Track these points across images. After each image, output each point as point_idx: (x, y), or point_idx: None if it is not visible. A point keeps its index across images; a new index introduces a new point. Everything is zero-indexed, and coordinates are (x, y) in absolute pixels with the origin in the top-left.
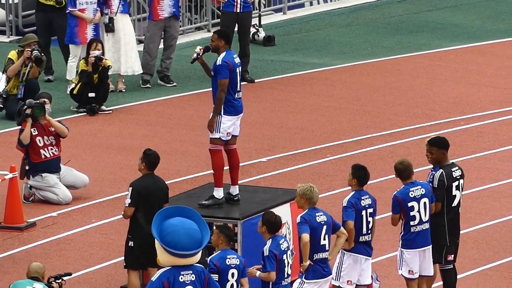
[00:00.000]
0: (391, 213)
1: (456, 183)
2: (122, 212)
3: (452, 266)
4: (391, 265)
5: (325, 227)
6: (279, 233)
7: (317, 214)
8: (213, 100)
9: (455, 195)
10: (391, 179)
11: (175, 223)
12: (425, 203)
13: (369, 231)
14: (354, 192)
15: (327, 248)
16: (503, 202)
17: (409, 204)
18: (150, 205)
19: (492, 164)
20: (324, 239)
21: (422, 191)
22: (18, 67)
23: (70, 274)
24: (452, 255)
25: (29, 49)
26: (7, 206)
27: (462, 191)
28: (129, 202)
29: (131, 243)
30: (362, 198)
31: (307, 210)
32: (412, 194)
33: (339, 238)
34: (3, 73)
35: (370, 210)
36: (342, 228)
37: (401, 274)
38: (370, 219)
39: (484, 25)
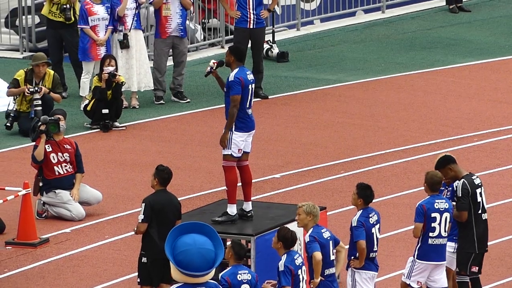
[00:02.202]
0: (404, 229)
1: (479, 190)
2: (135, 228)
3: (468, 280)
4: None
5: (331, 242)
6: (293, 249)
7: (322, 231)
8: (225, 116)
9: (479, 202)
10: (405, 195)
11: (188, 242)
12: (446, 217)
13: (377, 247)
14: (361, 211)
15: (334, 263)
16: None
17: (432, 215)
18: (163, 221)
19: (505, 180)
20: (332, 254)
21: (446, 205)
22: (17, 93)
23: None
24: (477, 267)
25: (29, 92)
26: (21, 223)
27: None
28: (142, 218)
29: (144, 259)
30: (370, 216)
31: (312, 228)
32: (437, 205)
33: (339, 253)
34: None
35: (378, 226)
36: (341, 242)
37: (409, 284)
38: (378, 235)
39: (498, 41)
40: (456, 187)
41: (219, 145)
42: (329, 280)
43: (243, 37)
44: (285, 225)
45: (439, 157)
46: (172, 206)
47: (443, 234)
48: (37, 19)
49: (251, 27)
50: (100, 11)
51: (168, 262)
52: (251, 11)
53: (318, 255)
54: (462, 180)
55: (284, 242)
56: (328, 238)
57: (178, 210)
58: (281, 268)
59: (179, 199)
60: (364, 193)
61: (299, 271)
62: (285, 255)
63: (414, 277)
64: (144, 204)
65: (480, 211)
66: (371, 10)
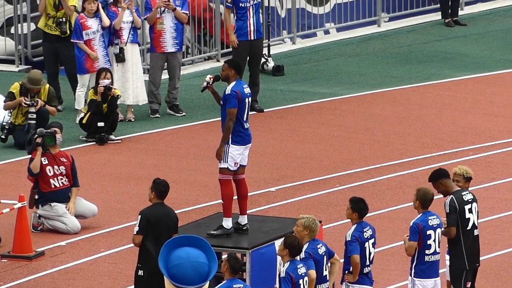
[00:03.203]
0: (399, 243)
1: (469, 206)
2: None
3: None
4: None
5: (325, 257)
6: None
7: (318, 246)
8: (222, 129)
9: (468, 218)
10: (400, 209)
11: (181, 255)
12: (439, 233)
13: (371, 262)
14: (356, 225)
15: (328, 278)
16: None
17: (428, 232)
18: (159, 234)
19: (500, 194)
20: (326, 269)
21: (438, 221)
22: (13, 106)
23: None
24: (470, 282)
25: (25, 104)
26: (16, 235)
27: (478, 214)
28: (137, 229)
29: (140, 272)
30: (364, 230)
31: (308, 243)
32: (430, 222)
33: (333, 265)
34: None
35: (372, 241)
36: (335, 255)
37: None
38: (372, 249)
39: (493, 55)
40: (445, 204)
41: (214, 158)
42: None
43: (244, 50)
44: (292, 234)
45: (438, 169)
46: (169, 220)
47: (438, 250)
48: (33, 26)
49: (252, 38)
50: (94, 25)
51: (161, 276)
52: (251, 22)
53: (312, 273)
54: (451, 196)
55: (291, 250)
56: (323, 253)
57: (175, 223)
58: (282, 274)
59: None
60: (359, 207)
61: (301, 281)
62: (289, 262)
63: None
64: (140, 216)
65: (469, 228)
66: (366, 23)
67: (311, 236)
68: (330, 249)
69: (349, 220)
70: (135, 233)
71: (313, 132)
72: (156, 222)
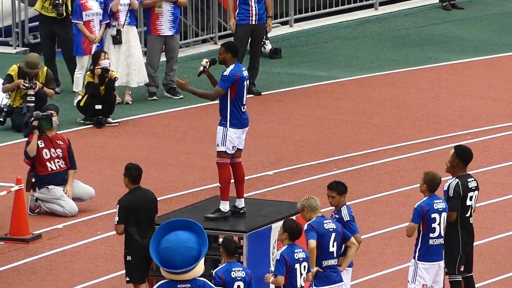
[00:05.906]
0: (396, 227)
1: (471, 194)
2: None
3: (460, 278)
4: (396, 279)
5: (333, 234)
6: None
7: (325, 221)
8: (219, 112)
9: (469, 206)
10: (397, 193)
11: (171, 239)
12: (444, 217)
13: None
14: (346, 206)
15: (335, 255)
16: (509, 216)
17: (432, 216)
18: (141, 218)
19: (498, 178)
20: (333, 246)
21: (443, 205)
22: (12, 89)
23: None
24: (463, 266)
25: (24, 86)
26: (13, 218)
27: (475, 202)
28: (117, 219)
29: (129, 258)
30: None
31: (314, 218)
32: (436, 206)
33: (349, 248)
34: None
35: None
36: (352, 238)
37: None
38: None
39: (491, 38)
40: (449, 186)
41: (212, 141)
42: (330, 272)
43: (245, 34)
44: (291, 217)
45: (468, 149)
46: (149, 202)
47: (442, 234)
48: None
49: (254, 23)
50: (94, 6)
51: (149, 259)
52: (253, 5)
53: (311, 243)
54: (457, 180)
55: (290, 233)
56: (331, 229)
57: (155, 204)
58: (277, 257)
59: (171, 195)
60: (344, 189)
61: (297, 265)
62: (287, 246)
63: (418, 281)
64: (118, 206)
65: (467, 215)
66: (364, 7)
67: (313, 211)
68: (345, 231)
69: (347, 203)
70: (115, 223)
71: (310, 115)
72: (135, 208)
